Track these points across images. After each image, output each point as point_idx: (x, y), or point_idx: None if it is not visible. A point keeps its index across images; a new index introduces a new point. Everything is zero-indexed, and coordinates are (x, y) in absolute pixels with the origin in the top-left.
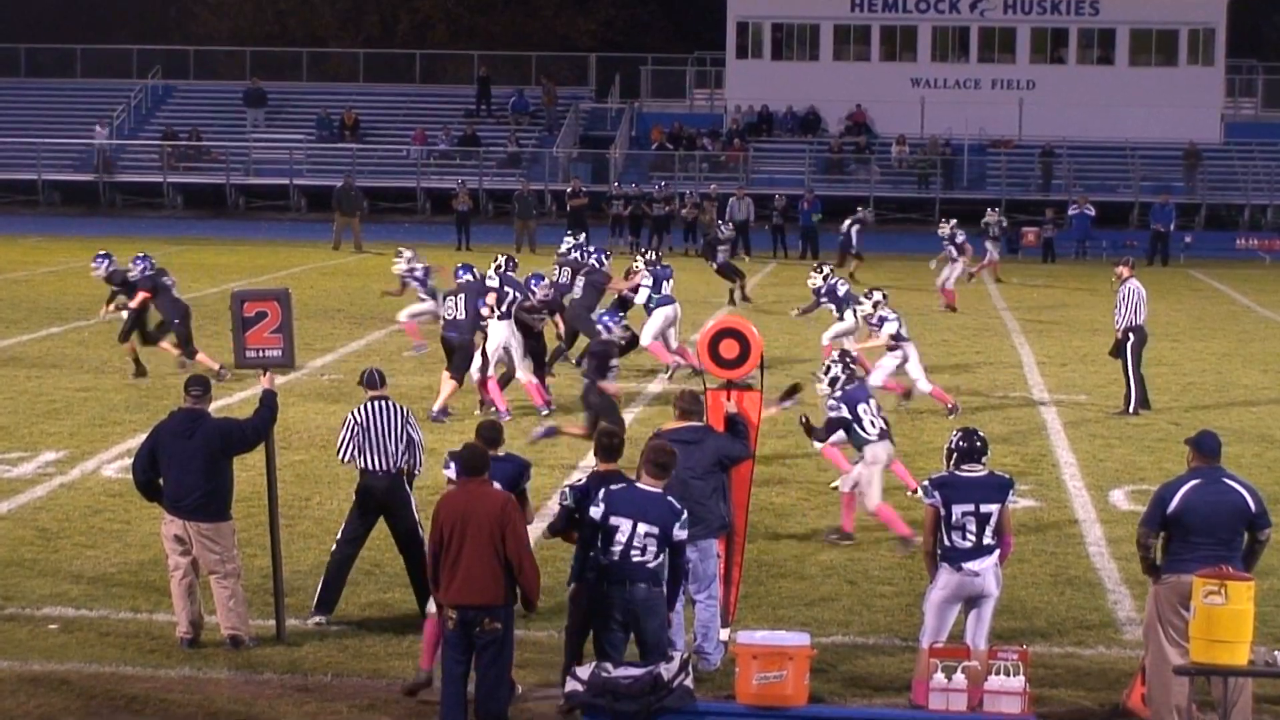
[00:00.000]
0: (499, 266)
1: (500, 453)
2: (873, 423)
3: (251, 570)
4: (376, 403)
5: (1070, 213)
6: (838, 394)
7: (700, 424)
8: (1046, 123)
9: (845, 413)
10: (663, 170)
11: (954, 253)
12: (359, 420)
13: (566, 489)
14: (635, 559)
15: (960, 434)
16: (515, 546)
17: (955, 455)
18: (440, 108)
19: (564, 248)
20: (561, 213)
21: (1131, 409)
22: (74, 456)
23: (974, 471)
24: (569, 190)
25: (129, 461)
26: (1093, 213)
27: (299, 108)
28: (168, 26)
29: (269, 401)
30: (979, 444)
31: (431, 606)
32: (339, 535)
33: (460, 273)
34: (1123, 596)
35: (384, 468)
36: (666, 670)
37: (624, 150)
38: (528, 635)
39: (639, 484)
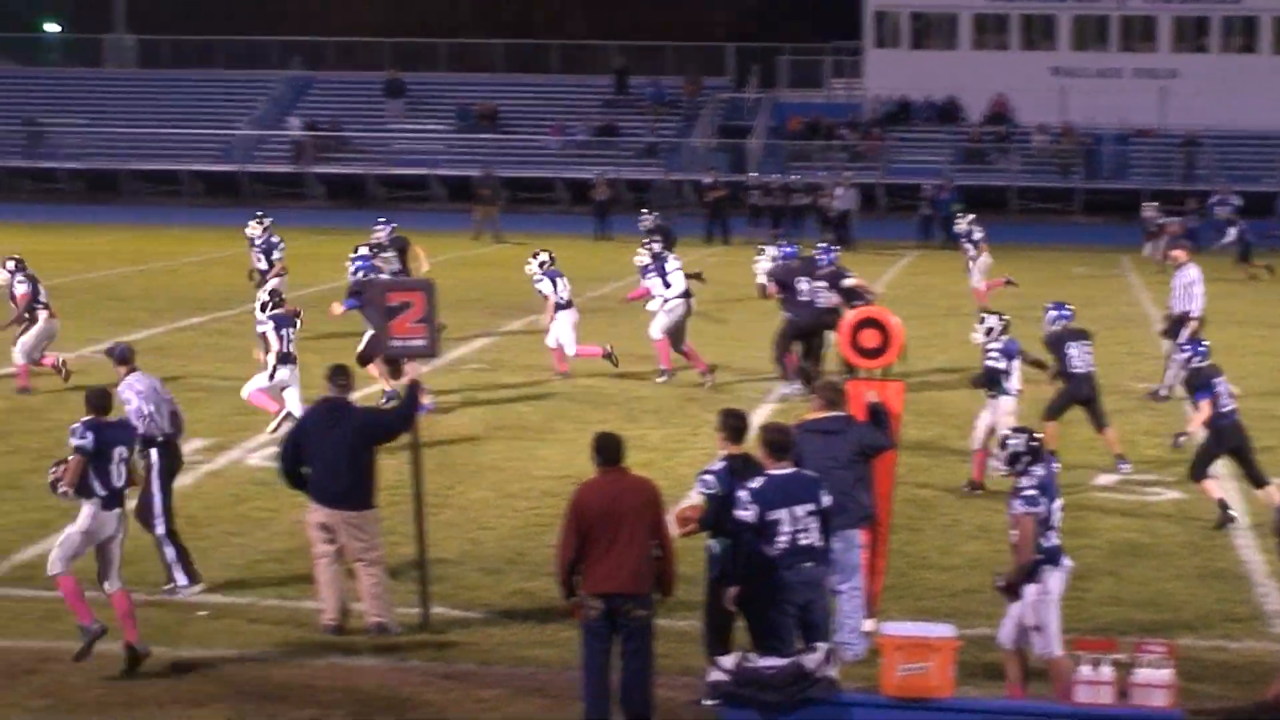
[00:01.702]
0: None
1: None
2: (1017, 380)
3: (396, 558)
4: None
5: (1212, 203)
6: (998, 344)
7: (842, 414)
8: (1189, 112)
9: (1003, 363)
10: (801, 160)
11: (972, 250)
12: None
13: (708, 476)
14: (803, 542)
15: (1026, 435)
16: (666, 532)
17: (1028, 456)
18: (578, 98)
19: (383, 233)
20: (700, 203)
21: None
22: (220, 445)
23: (1046, 468)
24: (707, 181)
25: (274, 450)
26: (1239, 203)
27: (438, 98)
28: (308, 18)
29: (413, 391)
30: (1039, 444)
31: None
32: None
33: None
34: (1271, 590)
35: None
36: (810, 661)
37: (762, 140)
38: (670, 625)
39: (772, 471)
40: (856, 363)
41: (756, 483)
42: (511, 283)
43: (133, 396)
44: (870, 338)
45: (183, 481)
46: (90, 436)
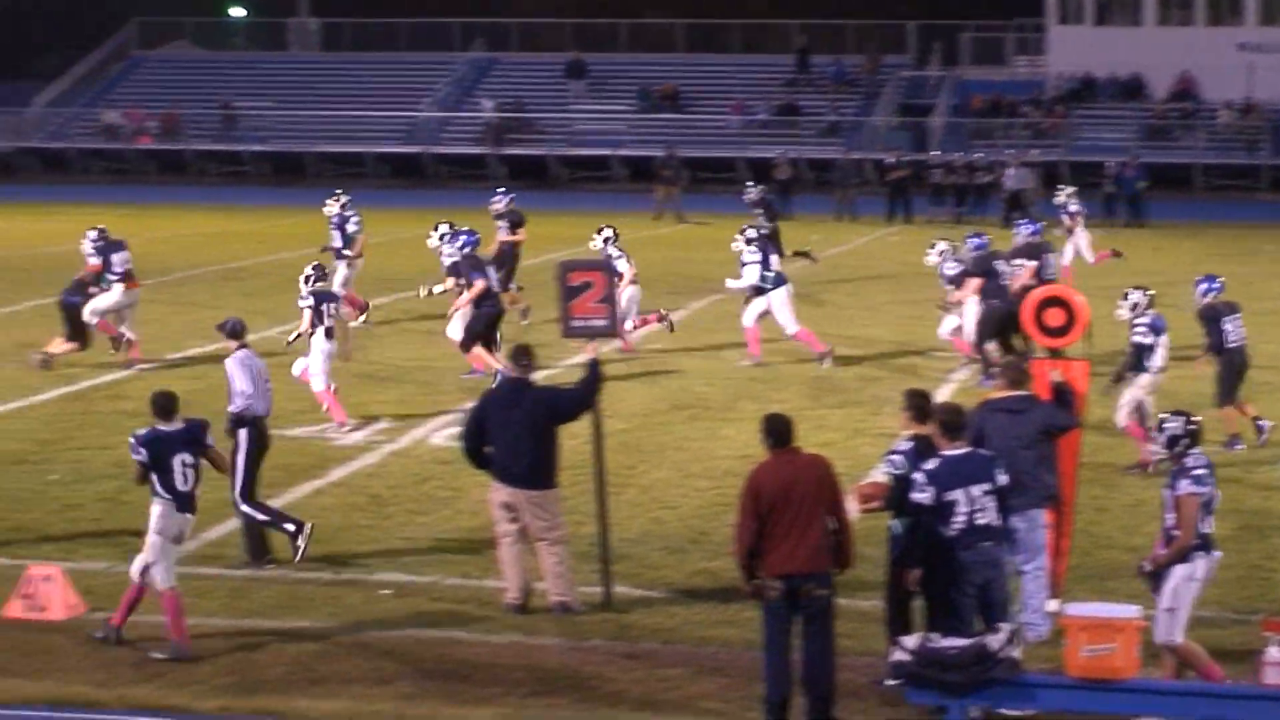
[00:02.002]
0: None
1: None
2: (1162, 356)
3: (579, 538)
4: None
5: None
6: (1145, 319)
7: (1026, 393)
8: None
9: (1150, 339)
10: (983, 138)
11: (1068, 221)
12: None
13: (895, 456)
14: (980, 522)
15: (1184, 418)
16: (843, 508)
17: (1187, 439)
18: (760, 77)
19: (500, 204)
20: (882, 182)
21: None
22: (404, 425)
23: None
24: (889, 160)
25: (457, 429)
26: None
27: (620, 79)
28: (491, 0)
29: (594, 371)
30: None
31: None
32: None
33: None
34: None
35: None
36: (994, 641)
37: (944, 118)
38: (851, 605)
39: (947, 452)
40: (1041, 341)
41: (932, 464)
42: (693, 263)
43: (237, 374)
44: (1055, 316)
45: (367, 461)
46: (144, 453)
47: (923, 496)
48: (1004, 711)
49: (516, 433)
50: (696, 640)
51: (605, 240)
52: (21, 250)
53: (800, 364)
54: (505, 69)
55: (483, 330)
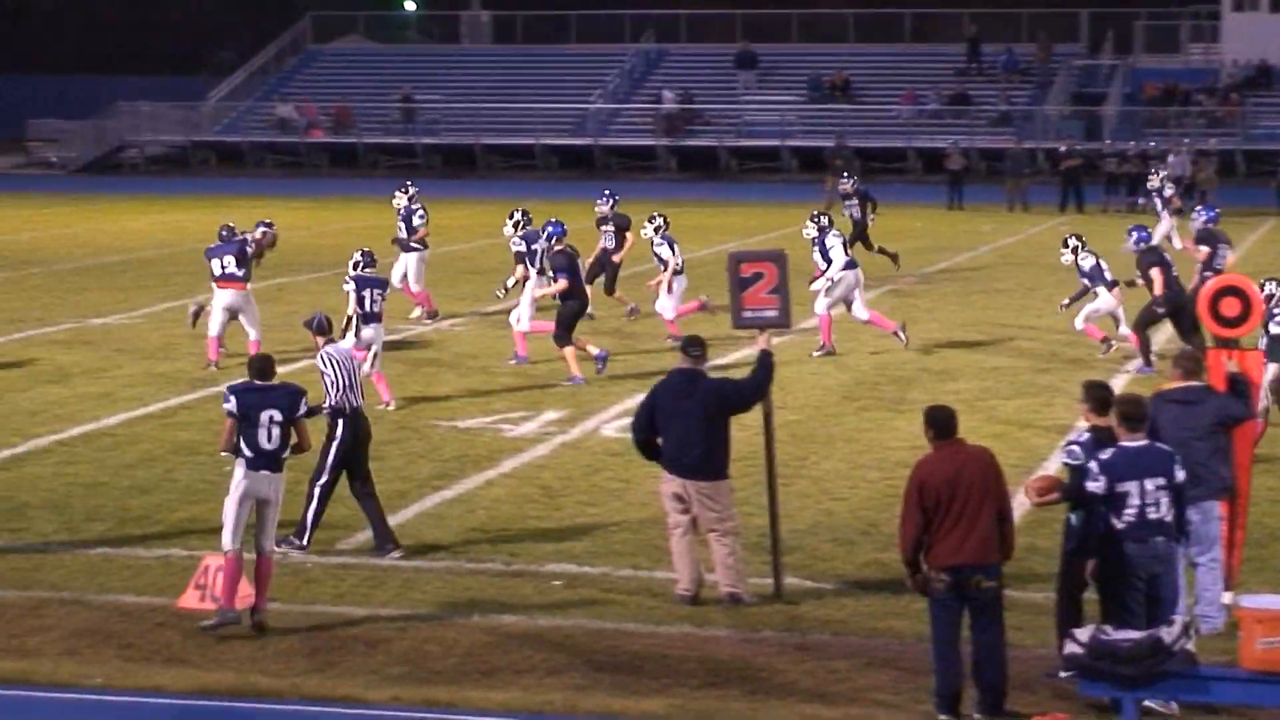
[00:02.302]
0: None
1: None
2: None
3: (749, 529)
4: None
5: None
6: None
7: (1200, 384)
8: None
9: None
10: (1156, 127)
11: (1159, 205)
12: None
13: (1074, 447)
14: (1152, 516)
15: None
16: (1007, 499)
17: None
18: (930, 67)
19: (604, 206)
20: (1054, 171)
21: None
22: (575, 416)
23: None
24: (1062, 149)
25: (628, 421)
26: None
27: (790, 69)
28: None
29: (765, 361)
30: None
31: (227, 541)
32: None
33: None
34: None
35: None
36: (1167, 634)
37: (1117, 107)
38: (1023, 597)
39: (1124, 443)
40: (1216, 331)
41: (1106, 454)
42: (861, 253)
43: (328, 366)
44: (1231, 306)
45: (539, 452)
46: (233, 400)
47: (1095, 486)
48: (1149, 704)
49: (688, 423)
50: (867, 632)
51: (655, 229)
52: (196, 244)
53: (973, 354)
54: (675, 60)
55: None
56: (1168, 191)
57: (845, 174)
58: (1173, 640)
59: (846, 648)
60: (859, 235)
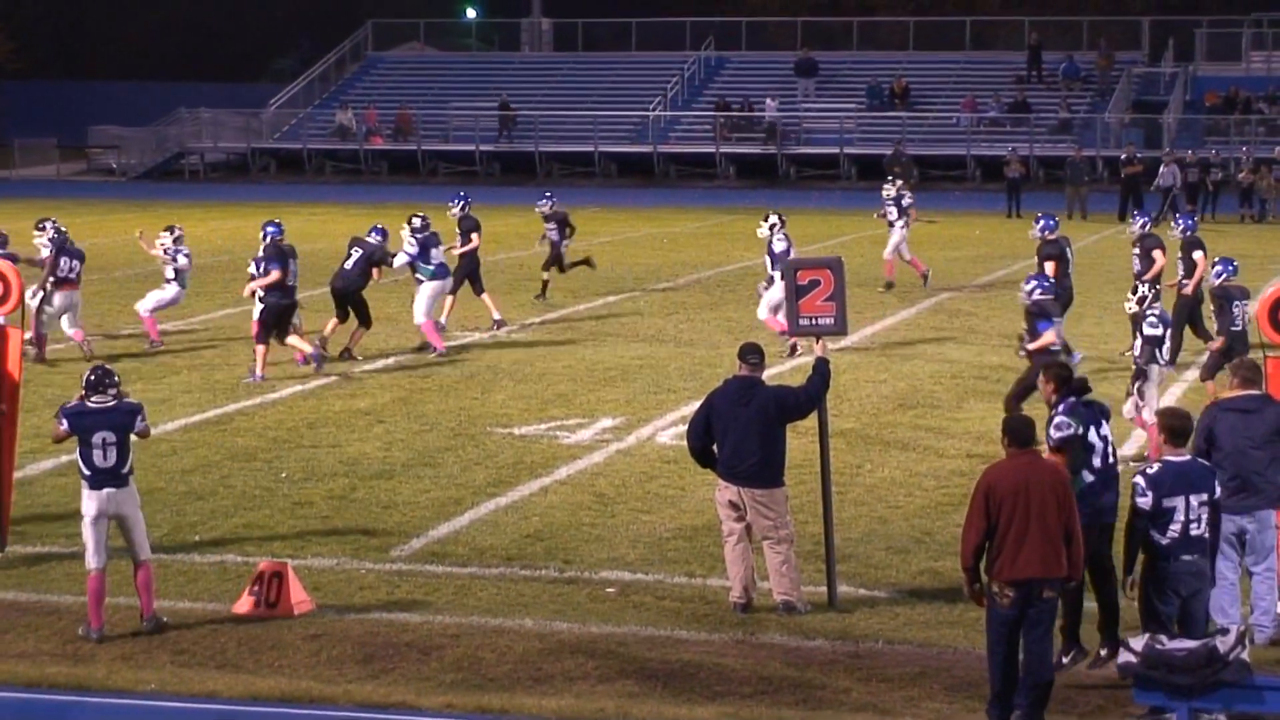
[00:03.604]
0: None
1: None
2: (1169, 350)
3: (804, 536)
4: None
5: None
6: (1155, 312)
7: (1259, 393)
8: None
9: (1160, 331)
10: (1218, 135)
11: (893, 214)
12: None
13: (1060, 418)
14: (1194, 533)
15: None
16: (1073, 516)
17: None
18: (990, 74)
19: (545, 207)
20: (1114, 179)
21: None
22: (630, 423)
23: None
24: (1122, 157)
25: (683, 428)
26: None
27: (849, 77)
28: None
29: (822, 369)
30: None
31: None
32: None
33: None
34: None
35: None
36: (1223, 643)
37: (1177, 115)
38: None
39: (1170, 458)
40: (1275, 339)
41: (1154, 469)
42: (923, 260)
43: None
44: None
45: (594, 459)
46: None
47: (1142, 502)
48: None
49: (744, 431)
50: (920, 641)
51: (771, 228)
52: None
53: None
54: (735, 67)
55: (272, 322)
56: (905, 200)
57: (544, 196)
58: (1228, 650)
59: (900, 657)
60: (554, 258)
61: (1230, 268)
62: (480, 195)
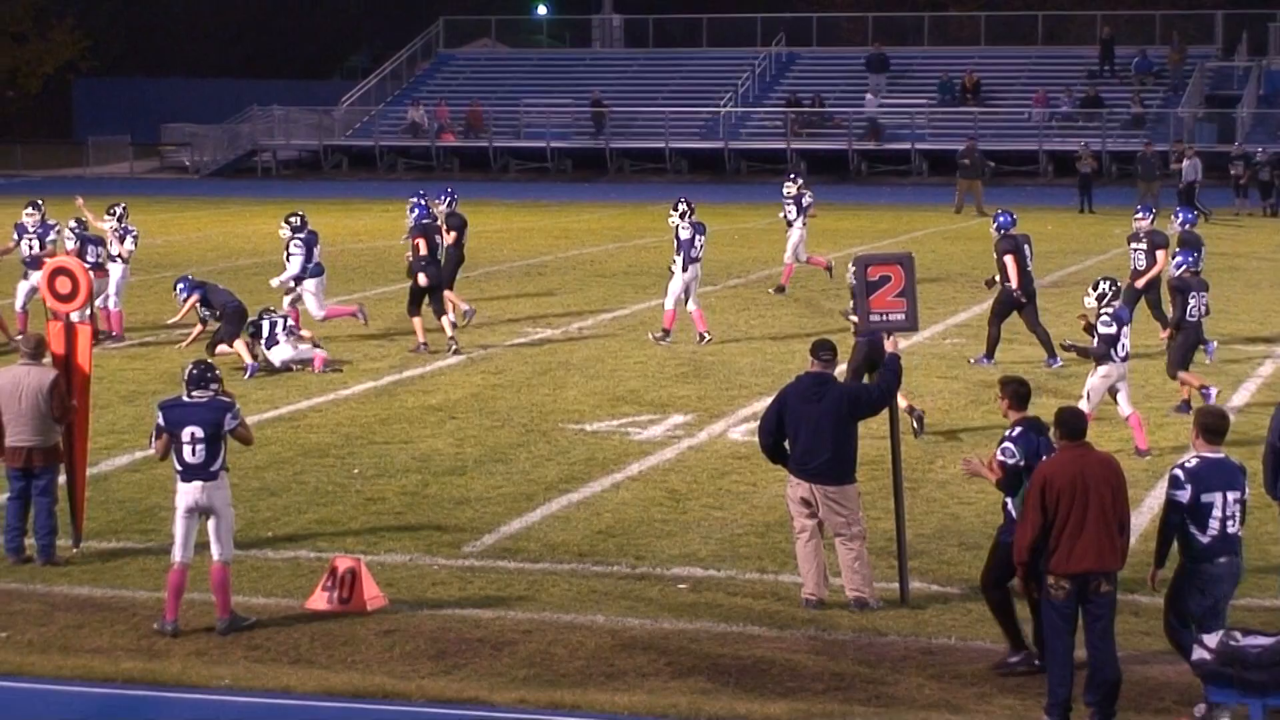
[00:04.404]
0: None
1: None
2: (1124, 346)
3: (875, 533)
4: None
5: None
6: (1109, 310)
7: None
8: None
9: (1114, 329)
10: None
11: (792, 213)
12: None
13: (1008, 445)
14: (1231, 530)
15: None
16: (1127, 507)
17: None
18: (1062, 69)
19: (443, 205)
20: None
21: None
22: (701, 419)
23: None
24: (1173, 155)
25: (754, 425)
26: None
27: (920, 72)
28: None
29: (894, 365)
30: None
31: (176, 555)
32: None
33: None
34: None
35: None
36: None
37: (1251, 110)
38: (1140, 600)
39: (1205, 454)
40: None
41: (1192, 463)
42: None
43: None
44: None
45: (665, 456)
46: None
47: (1181, 495)
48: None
49: (817, 427)
50: (992, 638)
51: (682, 215)
52: (329, 245)
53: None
54: (806, 63)
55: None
56: (805, 200)
57: (444, 193)
58: None
59: (972, 654)
60: (451, 273)
61: (1190, 258)
62: (551, 192)
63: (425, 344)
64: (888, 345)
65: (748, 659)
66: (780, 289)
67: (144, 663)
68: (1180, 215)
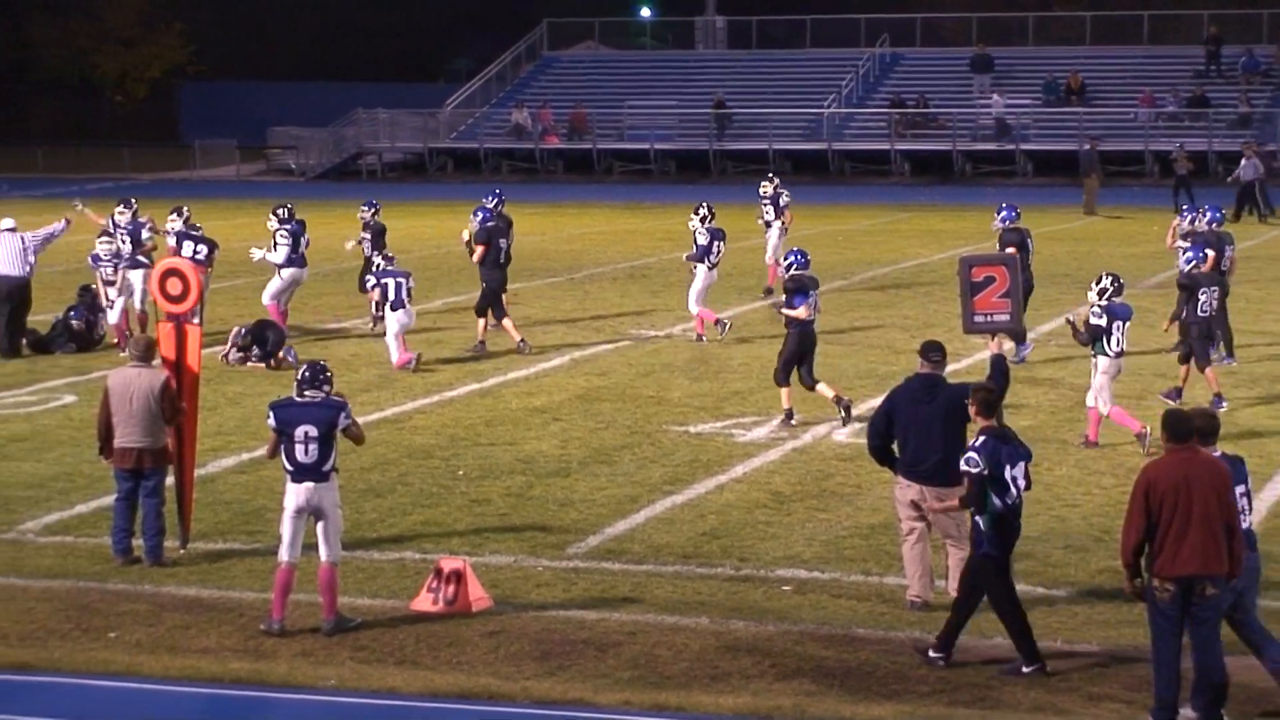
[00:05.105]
0: None
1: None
2: (1118, 341)
3: None
4: None
5: None
6: (1103, 304)
7: None
8: None
9: (1103, 321)
10: None
11: (770, 214)
12: None
13: (972, 454)
14: (1243, 525)
15: None
16: (1233, 511)
17: None
18: (1168, 68)
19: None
20: None
21: None
22: (806, 421)
23: None
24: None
25: (859, 426)
26: None
27: (1025, 72)
28: None
29: (1001, 366)
30: None
31: (284, 555)
32: None
33: None
34: None
35: None
36: None
37: None
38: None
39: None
40: None
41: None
42: (1098, 257)
43: None
44: None
45: (770, 457)
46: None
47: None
48: None
49: (927, 429)
50: (1100, 640)
51: (702, 220)
52: (433, 249)
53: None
54: (910, 64)
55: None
56: (783, 200)
57: (367, 203)
58: None
59: (1078, 657)
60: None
61: (1200, 254)
62: (655, 193)
63: (483, 343)
64: (991, 346)
65: (852, 662)
66: (768, 290)
67: (251, 663)
68: (1209, 213)
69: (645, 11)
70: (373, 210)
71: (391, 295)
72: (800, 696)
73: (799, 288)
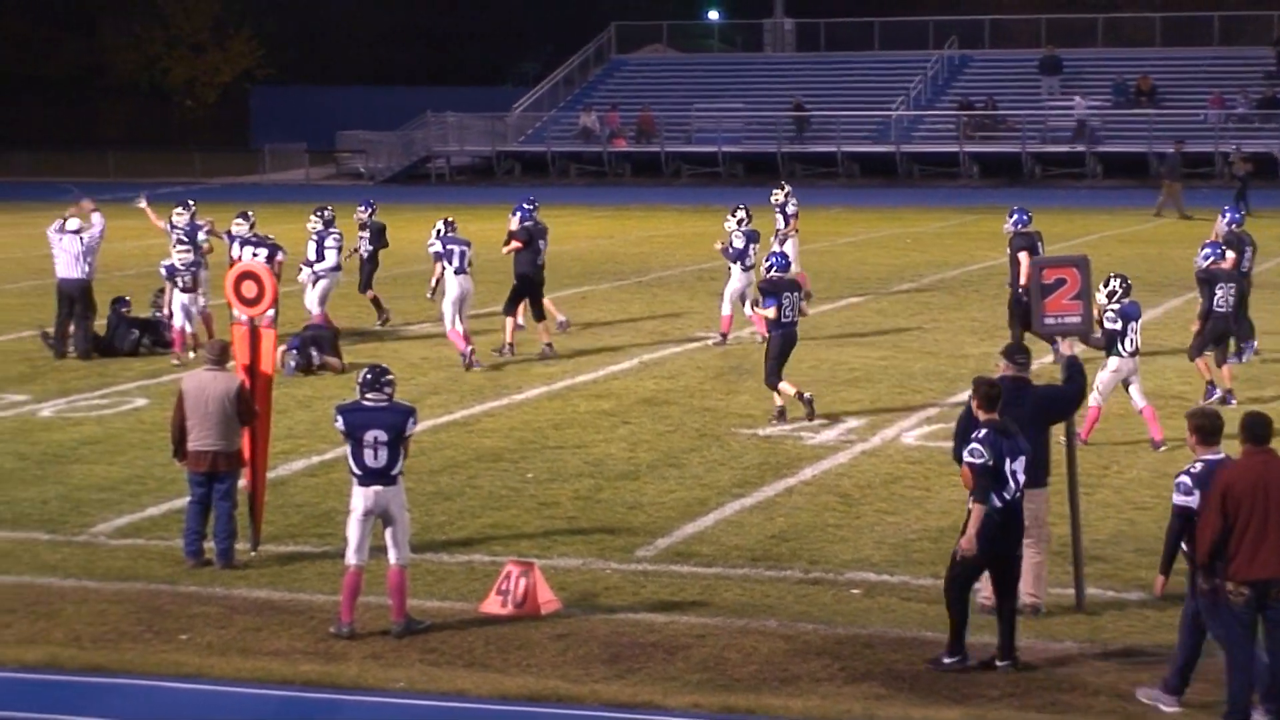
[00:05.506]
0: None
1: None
2: (1133, 341)
3: (1051, 538)
4: None
5: None
6: (1115, 307)
7: None
8: None
9: (1119, 325)
10: None
11: (779, 222)
12: None
13: (975, 445)
14: None
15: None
16: None
17: None
18: (1239, 70)
19: (364, 214)
20: None
21: None
22: (874, 424)
23: None
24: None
25: (928, 429)
26: None
27: (1094, 74)
28: None
29: (1077, 368)
30: None
31: (351, 558)
32: None
33: None
34: None
35: None
36: None
37: None
38: None
39: (1207, 456)
40: None
41: (1196, 468)
42: (1168, 259)
43: None
44: None
45: (838, 460)
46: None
47: (1189, 500)
48: None
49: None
50: (1171, 644)
51: (739, 222)
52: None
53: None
54: (978, 66)
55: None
56: (790, 207)
57: (364, 202)
58: None
59: (1149, 659)
60: (367, 277)
61: (1218, 251)
62: (722, 197)
63: (511, 345)
64: (1064, 348)
65: (919, 664)
66: (807, 296)
67: (321, 665)
68: (1228, 214)
69: (713, 14)
70: (369, 210)
71: (456, 262)
72: (869, 700)
73: (771, 290)
